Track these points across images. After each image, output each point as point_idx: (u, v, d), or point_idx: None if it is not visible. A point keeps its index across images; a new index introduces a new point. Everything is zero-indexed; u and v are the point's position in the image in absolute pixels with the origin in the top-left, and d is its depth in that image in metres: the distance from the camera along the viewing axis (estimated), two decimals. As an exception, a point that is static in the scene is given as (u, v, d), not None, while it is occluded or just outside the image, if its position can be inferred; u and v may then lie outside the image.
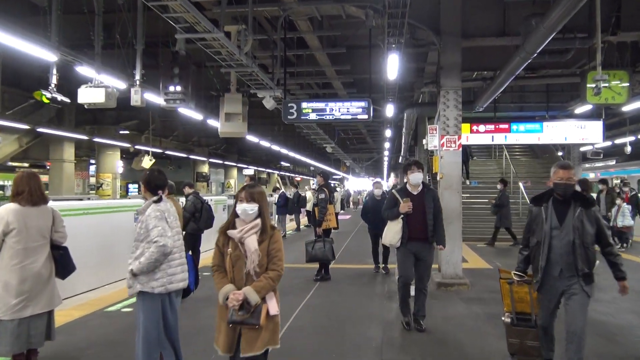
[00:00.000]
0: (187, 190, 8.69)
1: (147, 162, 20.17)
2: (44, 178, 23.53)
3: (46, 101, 8.52)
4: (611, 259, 3.75)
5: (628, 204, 12.37)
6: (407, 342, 5.13)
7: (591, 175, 22.24)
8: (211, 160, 31.97)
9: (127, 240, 3.70)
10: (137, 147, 21.75)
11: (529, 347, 4.12)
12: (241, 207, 3.14)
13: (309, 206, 16.43)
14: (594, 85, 6.83)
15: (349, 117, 8.91)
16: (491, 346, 4.94)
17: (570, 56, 8.77)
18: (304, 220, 18.45)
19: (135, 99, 8.65)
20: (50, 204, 4.29)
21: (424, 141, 13.57)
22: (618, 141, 20.96)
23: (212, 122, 14.32)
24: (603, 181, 13.74)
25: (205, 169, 33.19)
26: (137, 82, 8.87)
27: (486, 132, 11.80)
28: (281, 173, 48.70)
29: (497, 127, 11.80)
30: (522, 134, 11.78)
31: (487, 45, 8.81)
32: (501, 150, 19.19)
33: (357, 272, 9.19)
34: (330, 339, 5.27)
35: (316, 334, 5.46)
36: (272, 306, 3.13)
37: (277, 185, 23.33)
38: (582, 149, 17.98)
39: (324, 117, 8.97)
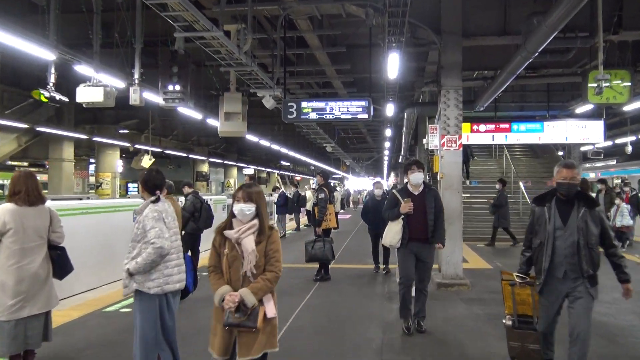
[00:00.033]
0: (187, 189, 8.66)
1: (146, 162, 20.14)
2: (44, 177, 23.53)
3: (44, 100, 8.49)
4: (615, 260, 3.67)
5: (627, 204, 12.34)
6: (407, 343, 5.10)
7: (591, 175, 22.19)
8: (211, 159, 31.94)
9: (126, 239, 3.67)
10: (136, 146, 21.72)
11: (530, 351, 4.04)
12: (238, 207, 3.09)
13: (308, 205, 16.41)
14: (595, 85, 6.79)
15: (349, 116, 8.88)
16: (492, 347, 4.91)
17: (571, 55, 8.74)
18: (303, 219, 18.43)
19: (134, 98, 8.61)
20: (50, 203, 4.26)
21: (424, 141, 13.52)
22: (619, 141, 20.92)
23: (212, 122, 14.28)
24: (602, 181, 13.71)
25: (205, 168, 33.15)
26: (136, 81, 8.83)
27: (487, 131, 11.75)
28: (281, 172, 48.67)
29: (497, 126, 11.75)
30: (523, 134, 11.73)
31: (488, 44, 8.77)
32: (501, 149, 19.16)
33: (357, 272, 9.16)
34: (330, 340, 5.24)
35: (316, 335, 5.43)
36: (270, 308, 3.06)
37: (277, 185, 23.28)
38: (583, 148, 17.95)
39: (323, 116, 8.93)
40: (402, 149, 24.87)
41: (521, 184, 15.87)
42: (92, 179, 26.65)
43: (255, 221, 3.10)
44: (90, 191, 25.13)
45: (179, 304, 3.82)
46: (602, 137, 11.46)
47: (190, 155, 28.55)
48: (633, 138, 19.91)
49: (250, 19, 8.12)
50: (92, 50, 8.76)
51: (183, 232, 7.94)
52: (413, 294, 5.44)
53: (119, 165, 22.66)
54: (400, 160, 28.73)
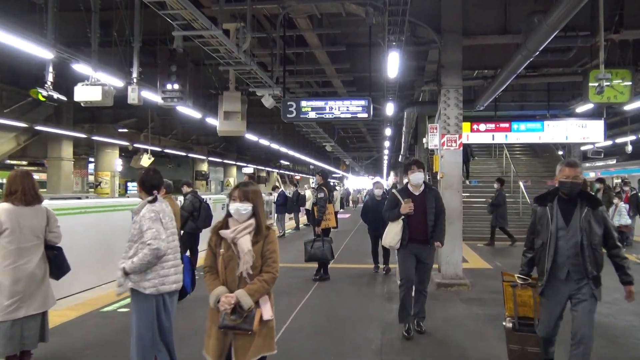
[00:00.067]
0: (185, 189, 8.64)
1: (145, 161, 20.08)
2: (43, 176, 23.50)
3: (42, 99, 8.45)
4: (617, 261, 3.60)
5: (626, 204, 12.30)
6: (406, 343, 5.07)
7: (591, 175, 22.17)
8: (210, 158, 31.89)
9: (125, 239, 3.65)
10: (135, 145, 21.67)
11: (531, 354, 3.96)
12: (234, 207, 3.02)
13: (308, 205, 16.38)
14: (596, 84, 6.76)
15: (349, 115, 8.84)
16: (492, 348, 4.88)
17: (572, 54, 8.70)
18: (303, 219, 18.41)
19: (133, 97, 8.56)
20: (48, 202, 4.24)
21: (424, 140, 13.49)
22: (619, 140, 20.89)
23: (211, 121, 14.24)
24: (600, 180, 13.68)
25: (204, 167, 33.11)
26: (134, 80, 8.79)
27: (487, 131, 11.73)
28: (281, 171, 48.63)
29: (497, 126, 11.73)
30: (523, 133, 11.71)
31: (488, 43, 8.73)
32: (501, 149, 19.13)
33: (357, 272, 9.13)
34: (329, 340, 5.22)
35: (315, 335, 5.40)
36: (266, 311, 3.00)
37: (277, 184, 23.25)
38: (583, 148, 17.91)
39: (323, 115, 8.90)
40: (402, 148, 24.83)
41: (521, 184, 15.84)
42: (91, 178, 26.61)
43: (252, 221, 3.03)
44: (89, 190, 25.10)
45: (176, 305, 3.79)
46: (602, 137, 11.44)
47: (190, 155, 28.51)
48: (633, 137, 19.87)
49: (249, 17, 8.08)
50: (90, 49, 8.72)
51: (182, 232, 7.93)
52: (412, 293, 5.40)
53: (118, 164, 22.62)
54: (400, 160, 28.68)
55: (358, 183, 55.44)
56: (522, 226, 14.22)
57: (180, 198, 9.09)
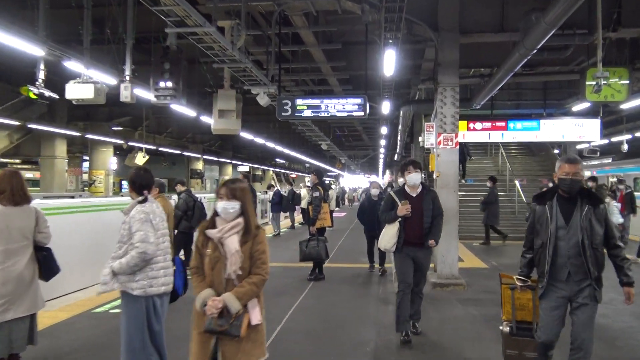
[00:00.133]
0: (179, 188, 8.57)
1: (140, 159, 19.94)
2: (37, 174, 23.32)
3: (33, 97, 8.33)
4: (617, 261, 3.46)
5: (618, 203, 12.26)
6: (402, 345, 4.99)
7: (587, 174, 22.20)
8: (205, 157, 31.77)
9: (117, 238, 3.55)
10: (130, 143, 21.53)
11: (529, 359, 3.83)
12: (221, 205, 2.88)
13: (303, 204, 16.32)
14: (593, 83, 6.70)
15: (345, 114, 8.75)
16: (489, 350, 4.83)
17: (569, 53, 8.66)
18: (298, 217, 18.34)
19: (125, 95, 8.45)
20: (41, 201, 4.15)
21: (420, 139, 13.45)
22: (615, 139, 20.92)
23: (206, 119, 14.14)
24: (593, 179, 13.65)
25: (199, 165, 32.96)
26: (127, 78, 8.68)
27: (483, 129, 11.67)
28: (276, 170, 48.54)
29: (494, 124, 11.68)
30: (519, 132, 11.66)
31: (485, 41, 8.68)
32: (497, 147, 19.11)
33: (352, 272, 9.07)
34: (324, 342, 5.15)
35: (310, 337, 5.34)
36: (255, 315, 2.85)
37: (272, 183, 23.17)
38: (579, 146, 17.91)
39: (319, 113, 8.81)
40: (398, 146, 24.79)
41: (517, 182, 15.83)
42: (85, 177, 26.45)
43: (240, 220, 2.89)
44: (84, 189, 24.95)
45: (167, 308, 3.71)
46: (598, 135, 11.40)
47: (185, 153, 28.39)
48: (629, 136, 19.89)
49: (244, 14, 7.99)
50: (82, 47, 8.60)
51: (176, 231, 7.85)
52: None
53: (112, 162, 22.46)
54: (395, 158, 28.64)
55: (354, 181, 55.41)
56: (517, 225, 14.23)
57: (175, 197, 9.00)
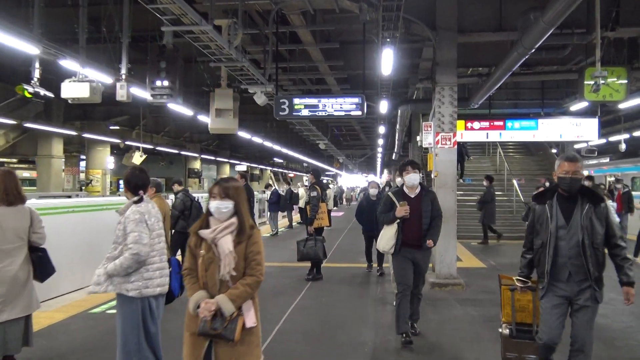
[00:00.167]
0: (176, 187, 8.54)
1: (137, 158, 19.88)
2: (33, 174, 23.23)
3: (28, 95, 8.27)
4: (617, 260, 3.39)
5: (614, 202, 12.26)
6: (400, 346, 4.96)
7: (585, 173, 22.20)
8: (203, 156, 31.71)
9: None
10: (127, 142, 21.47)
11: None
12: (214, 205, 2.80)
13: (301, 203, 16.29)
14: (592, 82, 6.68)
15: (342, 113, 8.71)
16: (487, 350, 4.81)
17: (567, 52, 8.64)
18: (296, 217, 18.30)
19: (121, 93, 8.38)
20: (37, 201, 4.11)
21: (418, 138, 13.43)
22: (613, 138, 20.94)
23: (204, 118, 14.09)
24: (589, 178, 13.66)
25: (197, 165, 32.92)
26: (123, 77, 8.61)
27: (481, 129, 11.66)
28: (274, 169, 48.49)
29: (491, 124, 11.67)
30: (517, 131, 11.65)
31: (483, 40, 8.65)
32: (495, 147, 19.12)
33: (350, 272, 9.04)
34: (322, 343, 5.12)
35: (307, 337, 5.30)
36: (250, 317, 2.77)
37: (270, 182, 23.13)
38: (577, 146, 17.92)
39: (316, 113, 8.76)
40: (396, 146, 24.76)
41: (515, 182, 15.82)
42: (83, 176, 26.38)
43: (234, 219, 2.81)
44: (82, 188, 24.87)
45: (163, 309, 3.67)
46: (596, 135, 11.39)
47: (182, 152, 28.34)
48: (626, 136, 19.91)
49: (241, 13, 7.94)
50: (78, 45, 8.54)
51: (173, 231, 7.81)
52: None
53: (109, 162, 22.39)
54: (393, 158, 28.62)
55: (352, 181, 55.40)
56: (515, 224, 14.23)
57: (172, 197, 8.96)
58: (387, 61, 8.10)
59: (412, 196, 5.04)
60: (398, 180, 6.36)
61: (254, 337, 2.83)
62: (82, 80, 8.07)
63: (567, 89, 13.59)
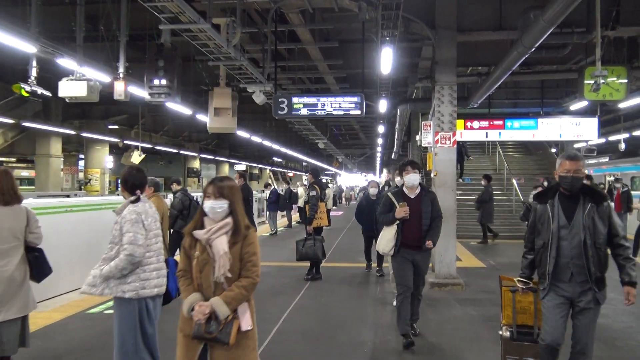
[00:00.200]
0: (175, 187, 8.51)
1: (136, 158, 19.84)
2: (32, 173, 23.19)
3: (25, 94, 8.22)
4: (619, 260, 3.33)
5: (612, 203, 12.27)
6: (400, 346, 4.93)
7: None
8: (202, 155, 31.66)
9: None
10: (126, 142, 21.42)
11: None
12: (208, 205, 2.73)
13: (300, 202, 16.26)
14: (592, 82, 6.65)
15: (341, 112, 8.68)
16: (487, 351, 4.79)
17: (567, 51, 8.62)
18: (295, 216, 18.28)
19: (119, 92, 8.34)
20: (35, 201, 4.08)
21: (418, 137, 13.41)
22: (612, 138, 20.93)
23: (203, 117, 14.05)
24: (587, 177, 13.65)
25: (196, 164, 32.88)
26: (121, 75, 8.57)
27: (480, 128, 11.65)
28: (274, 169, 48.45)
29: (491, 123, 11.65)
30: (517, 131, 11.64)
31: (482, 39, 8.63)
32: (494, 146, 19.11)
33: (349, 272, 9.02)
34: (321, 343, 5.10)
35: (307, 338, 5.27)
36: (245, 320, 2.70)
37: (269, 181, 23.11)
38: (576, 145, 17.91)
39: (315, 112, 8.74)
40: (395, 145, 24.75)
41: (514, 181, 15.81)
42: (81, 175, 26.34)
43: (229, 220, 2.74)
44: (80, 188, 24.83)
45: (160, 310, 3.64)
46: (596, 134, 11.38)
47: (181, 151, 28.28)
48: (626, 135, 19.90)
49: (239, 11, 7.90)
50: (75, 44, 8.50)
51: (171, 231, 7.78)
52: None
53: (108, 161, 22.34)
54: (393, 157, 28.60)
55: (351, 180, 55.40)
56: (515, 224, 14.22)
57: (170, 196, 8.93)
58: (387, 60, 8.07)
59: (412, 197, 4.98)
60: (397, 180, 6.32)
61: (250, 340, 2.76)
62: (79, 79, 8.03)
63: (567, 88, 13.57)
